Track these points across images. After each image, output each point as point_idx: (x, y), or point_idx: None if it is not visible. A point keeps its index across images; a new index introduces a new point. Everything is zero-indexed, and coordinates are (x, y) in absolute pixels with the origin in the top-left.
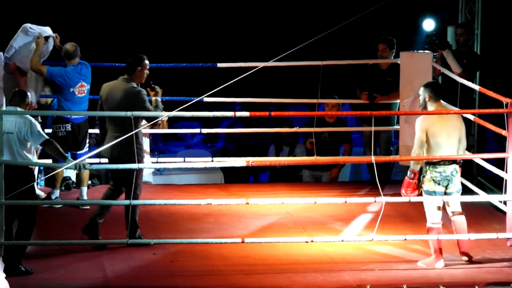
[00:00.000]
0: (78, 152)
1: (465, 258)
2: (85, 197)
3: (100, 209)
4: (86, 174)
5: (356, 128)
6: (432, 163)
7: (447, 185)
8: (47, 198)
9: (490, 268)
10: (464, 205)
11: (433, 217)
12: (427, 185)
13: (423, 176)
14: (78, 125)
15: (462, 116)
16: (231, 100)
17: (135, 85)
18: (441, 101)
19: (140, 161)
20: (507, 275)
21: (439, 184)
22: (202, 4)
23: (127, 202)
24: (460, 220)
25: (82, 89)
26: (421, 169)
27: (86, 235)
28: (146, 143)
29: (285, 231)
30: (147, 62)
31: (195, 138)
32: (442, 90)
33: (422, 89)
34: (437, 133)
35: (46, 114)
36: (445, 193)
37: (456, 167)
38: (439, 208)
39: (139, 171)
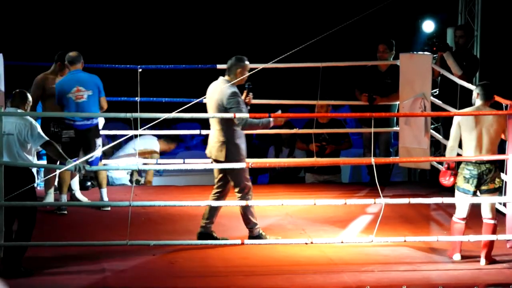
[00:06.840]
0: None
1: (484, 261)
2: (106, 199)
3: (210, 215)
4: (103, 176)
5: (356, 129)
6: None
7: (479, 185)
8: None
9: (490, 270)
10: None
11: (458, 213)
12: (459, 181)
13: (460, 173)
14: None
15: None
16: None
17: (230, 86)
18: (486, 104)
19: (238, 160)
20: (507, 277)
21: (468, 182)
22: (202, 5)
23: (126, 203)
24: (486, 226)
25: (79, 94)
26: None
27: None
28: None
29: (284, 233)
30: (247, 63)
31: (194, 139)
32: (491, 92)
33: (475, 86)
34: (469, 128)
35: (47, 116)
36: (475, 192)
37: (489, 166)
38: (466, 205)
39: (242, 169)
